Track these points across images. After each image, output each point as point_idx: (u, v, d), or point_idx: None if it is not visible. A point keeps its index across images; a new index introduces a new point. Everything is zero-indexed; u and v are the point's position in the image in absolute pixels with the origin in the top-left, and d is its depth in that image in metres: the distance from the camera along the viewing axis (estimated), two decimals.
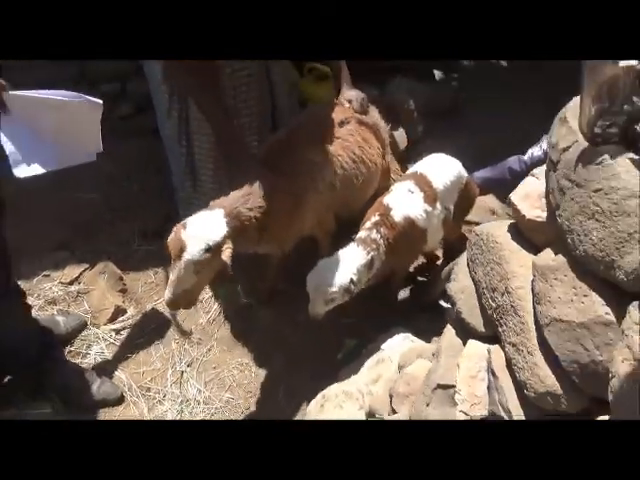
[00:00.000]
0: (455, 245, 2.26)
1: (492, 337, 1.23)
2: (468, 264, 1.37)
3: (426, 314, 2.19)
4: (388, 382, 1.71)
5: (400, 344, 1.91)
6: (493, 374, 1.14)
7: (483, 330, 1.27)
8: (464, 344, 1.31)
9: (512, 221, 1.26)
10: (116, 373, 2.09)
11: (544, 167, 1.14)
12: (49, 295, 2.30)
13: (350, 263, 1.85)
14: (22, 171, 1.57)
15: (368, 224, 1.97)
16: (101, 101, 1.73)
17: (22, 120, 1.59)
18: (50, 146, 1.65)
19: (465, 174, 2.18)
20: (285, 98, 2.33)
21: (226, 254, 1.61)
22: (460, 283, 1.38)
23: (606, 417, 0.90)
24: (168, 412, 1.97)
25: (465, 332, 1.34)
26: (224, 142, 1.91)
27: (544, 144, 2.36)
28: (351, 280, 1.82)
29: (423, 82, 3.17)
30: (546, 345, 0.99)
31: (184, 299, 1.64)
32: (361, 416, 1.71)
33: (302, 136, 1.95)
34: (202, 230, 1.60)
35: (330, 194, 2.01)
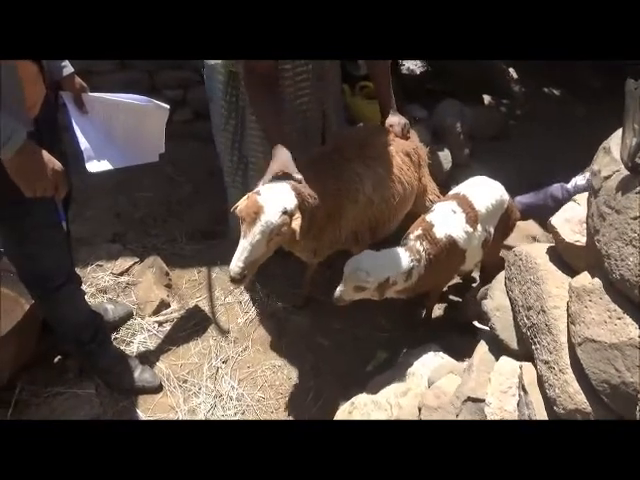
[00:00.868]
0: (492, 270, 2.27)
1: (524, 354, 1.26)
2: (505, 283, 1.40)
3: (458, 333, 2.22)
4: (417, 396, 1.73)
5: (431, 360, 1.92)
6: (524, 390, 1.17)
7: (516, 347, 1.30)
8: (496, 360, 1.34)
9: (551, 244, 1.29)
10: (157, 363, 2.18)
11: (585, 194, 1.18)
12: (100, 284, 2.43)
13: (393, 262, 1.86)
14: (93, 166, 1.67)
15: (412, 236, 1.99)
16: (168, 106, 1.84)
17: (97, 119, 1.71)
18: (119, 145, 1.76)
19: (507, 198, 2.17)
20: (333, 115, 2.41)
21: (297, 222, 1.64)
22: (496, 301, 1.42)
23: None
24: (202, 405, 2.04)
25: (498, 348, 1.37)
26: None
27: (588, 174, 2.37)
28: (388, 278, 1.83)
29: (471, 106, 3.20)
30: (578, 364, 1.01)
31: (250, 271, 1.64)
32: None
33: (349, 149, 2.02)
34: (278, 196, 1.64)
35: (367, 208, 2.06)
